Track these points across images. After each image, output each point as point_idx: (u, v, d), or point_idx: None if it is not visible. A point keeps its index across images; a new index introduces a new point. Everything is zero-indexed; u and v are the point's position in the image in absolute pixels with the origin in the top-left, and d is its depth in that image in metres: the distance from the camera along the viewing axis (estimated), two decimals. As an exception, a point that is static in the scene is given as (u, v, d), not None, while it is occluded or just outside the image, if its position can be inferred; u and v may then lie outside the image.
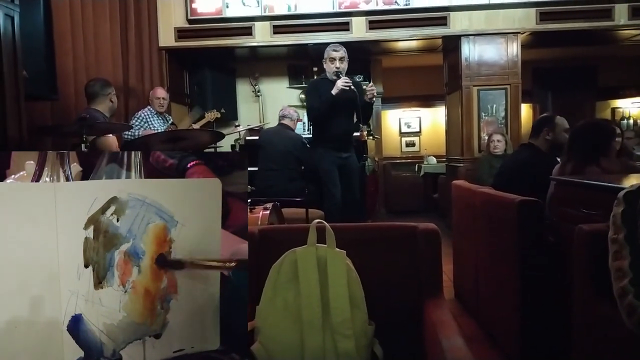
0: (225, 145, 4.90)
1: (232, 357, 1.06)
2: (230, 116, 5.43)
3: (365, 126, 4.72)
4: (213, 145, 4.34)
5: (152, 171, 1.14)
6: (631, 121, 7.49)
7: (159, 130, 3.77)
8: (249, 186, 2.88)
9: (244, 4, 4.68)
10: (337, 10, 4.64)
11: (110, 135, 3.13)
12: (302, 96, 5.59)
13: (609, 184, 1.76)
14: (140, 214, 1.00)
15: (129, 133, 3.75)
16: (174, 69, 5.02)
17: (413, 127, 8.02)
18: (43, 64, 2.81)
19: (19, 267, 0.92)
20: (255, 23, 4.73)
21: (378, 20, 4.67)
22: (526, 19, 4.62)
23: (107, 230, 0.98)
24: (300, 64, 5.73)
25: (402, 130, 8.02)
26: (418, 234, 1.41)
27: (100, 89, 3.23)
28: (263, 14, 4.68)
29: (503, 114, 4.73)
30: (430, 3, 4.62)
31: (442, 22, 4.67)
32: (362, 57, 5.65)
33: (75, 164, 1.10)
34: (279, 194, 3.43)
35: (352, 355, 1.20)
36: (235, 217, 1.12)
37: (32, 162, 1.05)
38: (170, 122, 4.17)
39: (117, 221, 0.98)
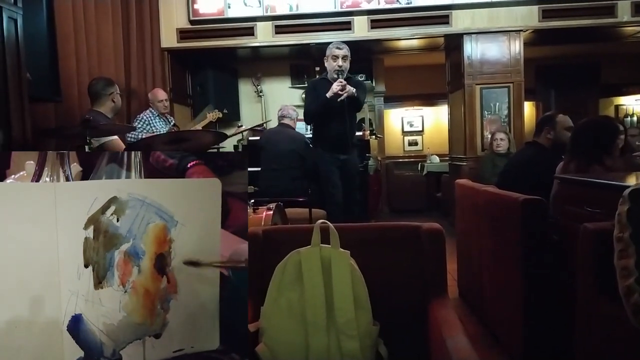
0: (228, 146, 4.91)
1: (231, 357, 1.06)
2: (232, 117, 5.44)
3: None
4: (216, 146, 4.34)
5: (152, 171, 1.14)
6: (635, 118, 7.43)
7: (162, 132, 3.77)
8: (252, 187, 2.88)
9: (245, 4, 4.68)
10: (339, 9, 4.64)
11: (116, 137, 3.13)
12: (304, 96, 5.58)
13: (613, 182, 1.75)
14: (140, 214, 1.00)
15: (132, 135, 3.75)
16: (176, 69, 5.03)
17: (416, 126, 7.99)
18: (46, 66, 2.81)
19: (19, 267, 0.92)
20: (257, 23, 4.74)
21: (380, 19, 4.66)
22: (529, 17, 4.60)
23: (107, 230, 0.97)
24: (302, 64, 5.73)
25: (405, 129, 8.00)
26: (422, 233, 1.40)
27: (102, 89, 3.21)
28: (265, 14, 4.68)
29: (506, 112, 4.71)
30: (432, 2, 4.61)
31: (444, 20, 4.65)
32: (364, 56, 5.64)
33: (75, 164, 1.10)
34: (281, 193, 3.42)
35: (356, 356, 1.20)
36: (235, 217, 1.12)
37: (32, 162, 1.06)
38: (172, 123, 4.16)
39: (117, 221, 0.98)
